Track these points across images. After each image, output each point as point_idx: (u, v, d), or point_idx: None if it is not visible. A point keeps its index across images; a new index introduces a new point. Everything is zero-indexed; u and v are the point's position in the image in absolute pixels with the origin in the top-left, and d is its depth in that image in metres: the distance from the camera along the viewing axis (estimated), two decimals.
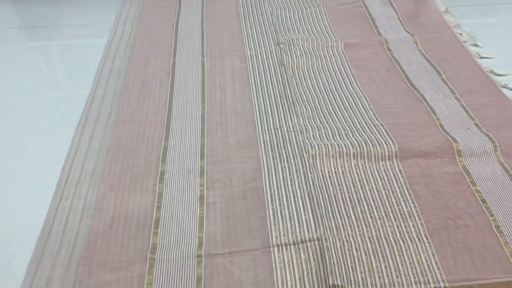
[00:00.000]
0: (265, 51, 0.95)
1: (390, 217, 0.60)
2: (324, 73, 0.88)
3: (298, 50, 0.93)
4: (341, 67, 0.90)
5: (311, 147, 0.69)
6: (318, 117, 0.76)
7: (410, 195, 0.62)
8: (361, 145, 0.69)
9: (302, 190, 0.63)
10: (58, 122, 0.82)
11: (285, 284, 0.53)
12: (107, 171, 0.68)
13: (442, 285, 0.52)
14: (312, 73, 0.88)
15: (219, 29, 1.04)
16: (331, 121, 0.75)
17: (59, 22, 1.15)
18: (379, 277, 0.53)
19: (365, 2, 1.11)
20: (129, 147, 0.72)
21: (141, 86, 0.86)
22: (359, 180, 0.65)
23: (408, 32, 1.00)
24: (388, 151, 0.68)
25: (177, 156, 0.71)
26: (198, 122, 0.78)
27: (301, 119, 0.75)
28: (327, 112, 0.78)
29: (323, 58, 0.92)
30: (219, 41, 1.00)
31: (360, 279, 0.52)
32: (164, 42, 0.99)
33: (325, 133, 0.72)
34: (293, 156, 0.68)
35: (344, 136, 0.72)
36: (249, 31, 1.03)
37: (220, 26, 1.05)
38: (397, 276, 0.53)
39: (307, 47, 0.94)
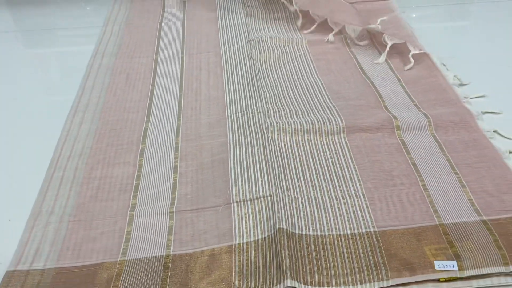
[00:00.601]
0: (237, 48, 1.06)
1: (334, 180, 0.70)
2: (288, 65, 1.00)
3: (266, 46, 1.05)
4: (304, 59, 1.01)
5: (271, 125, 0.80)
6: (280, 101, 0.87)
7: (352, 162, 0.73)
8: (313, 123, 0.80)
9: (260, 159, 0.74)
10: (52, 113, 0.92)
11: (241, 230, 0.63)
12: (94, 148, 0.79)
13: (372, 229, 0.63)
14: (277, 65, 0.99)
15: (198, 30, 1.16)
16: (290, 104, 0.87)
17: (53, 26, 1.26)
18: (320, 224, 0.63)
19: None
20: (114, 129, 0.83)
21: (126, 79, 0.97)
22: (310, 151, 0.75)
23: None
24: (337, 127, 0.79)
25: (155, 136, 0.82)
26: (175, 107, 0.88)
27: (264, 103, 0.86)
28: (287, 97, 0.89)
29: (288, 53, 1.04)
30: (197, 40, 1.11)
31: (303, 225, 0.63)
32: (148, 41, 1.11)
33: (284, 114, 0.83)
34: (255, 133, 0.79)
35: (301, 115, 0.83)
36: (225, 31, 1.15)
37: (199, 27, 1.17)
38: (335, 224, 0.64)
39: (275, 44, 1.06)
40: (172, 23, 1.20)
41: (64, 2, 1.40)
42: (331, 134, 0.79)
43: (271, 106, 0.86)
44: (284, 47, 1.06)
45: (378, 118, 0.81)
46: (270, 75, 0.96)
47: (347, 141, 0.78)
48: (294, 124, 0.80)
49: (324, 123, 0.80)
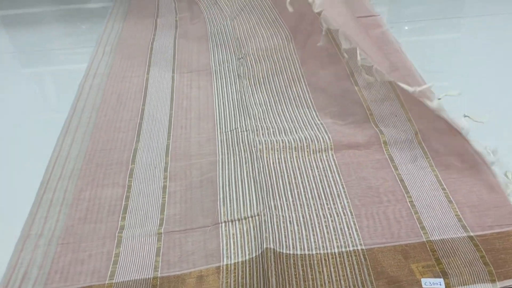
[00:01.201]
0: (227, 66, 1.08)
1: (322, 198, 0.71)
2: (276, 76, 1.01)
3: (254, 59, 1.06)
4: (292, 67, 1.03)
5: (259, 143, 0.80)
6: (268, 118, 0.88)
7: (340, 180, 0.74)
8: (301, 140, 0.81)
9: (249, 177, 0.74)
10: (45, 132, 0.93)
11: (229, 251, 0.63)
12: (84, 169, 0.79)
13: (359, 247, 0.63)
14: (266, 78, 1.00)
15: (189, 48, 1.17)
16: (279, 121, 0.87)
17: (49, 46, 1.28)
18: (307, 243, 0.64)
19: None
20: (104, 149, 0.84)
21: (117, 99, 0.98)
22: (298, 169, 0.76)
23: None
24: (324, 145, 0.80)
25: (145, 156, 0.82)
26: (165, 126, 0.89)
27: (253, 121, 0.87)
28: (276, 113, 0.90)
29: (277, 62, 1.05)
30: (188, 59, 1.13)
31: (290, 244, 0.63)
32: (139, 61, 1.12)
33: (272, 131, 0.84)
34: (244, 151, 0.80)
35: (289, 133, 0.84)
36: (215, 49, 1.16)
37: (190, 45, 1.19)
38: (322, 242, 0.64)
39: (262, 55, 1.08)
40: (163, 42, 1.21)
41: (60, 21, 1.43)
42: (319, 152, 0.79)
43: (260, 123, 0.87)
44: (272, 56, 1.07)
45: (365, 134, 0.82)
46: (259, 90, 0.97)
47: (335, 158, 0.78)
48: (282, 142, 0.81)
49: (312, 140, 0.81)
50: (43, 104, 1.07)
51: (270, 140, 0.81)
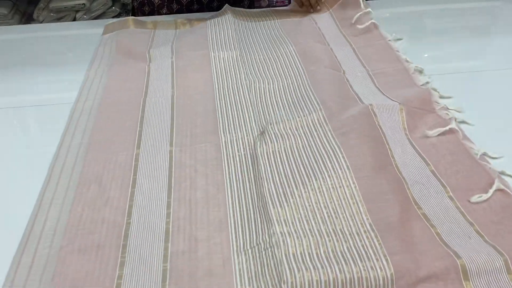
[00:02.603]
0: (241, 137, 0.85)
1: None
2: (305, 154, 0.76)
3: (273, 133, 0.82)
4: (325, 140, 0.78)
5: (291, 272, 0.57)
6: (296, 222, 0.65)
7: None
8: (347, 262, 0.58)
9: None
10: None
11: None
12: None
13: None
14: (285, 159, 0.76)
15: (191, 108, 0.94)
16: (313, 227, 0.64)
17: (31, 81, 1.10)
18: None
19: (345, 75, 1.03)
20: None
21: (99, 188, 0.74)
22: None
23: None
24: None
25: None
26: (161, 240, 0.65)
27: (277, 227, 0.64)
28: (307, 213, 0.66)
29: (303, 137, 0.81)
30: (190, 124, 0.89)
31: None
32: (127, 128, 0.87)
33: (306, 246, 0.61)
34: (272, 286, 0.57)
35: (330, 254, 0.61)
36: (224, 110, 0.92)
37: (192, 104, 0.95)
38: None
39: (288, 128, 0.83)
40: (158, 98, 0.96)
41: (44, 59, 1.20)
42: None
43: (287, 230, 0.63)
44: (298, 130, 0.82)
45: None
46: (276, 178, 0.72)
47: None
48: (324, 274, 0.58)
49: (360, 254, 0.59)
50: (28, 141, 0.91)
51: (306, 267, 0.58)
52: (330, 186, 0.69)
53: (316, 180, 0.70)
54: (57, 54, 1.23)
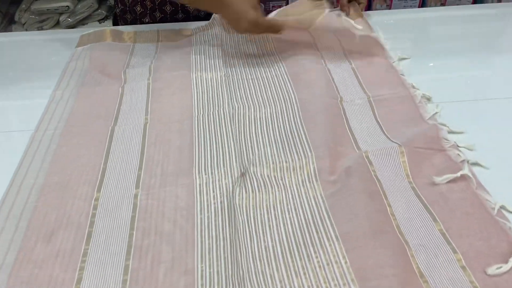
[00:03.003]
0: (218, 179, 0.73)
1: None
2: (289, 219, 0.64)
3: (255, 179, 0.71)
4: (313, 202, 0.66)
5: None
6: None
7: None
8: None
9: None
10: None
11: None
12: None
13: None
14: (266, 222, 0.64)
15: (164, 140, 0.82)
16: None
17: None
18: None
19: (343, 104, 0.91)
20: None
21: (47, 245, 0.63)
22: None
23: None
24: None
25: None
26: None
27: None
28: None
29: (289, 192, 0.69)
30: (162, 160, 0.77)
31: None
32: (89, 165, 0.76)
33: None
34: None
35: None
36: (202, 144, 0.80)
37: (166, 135, 0.83)
38: None
39: (273, 176, 0.71)
40: (128, 131, 0.84)
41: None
42: None
43: None
44: (284, 179, 0.71)
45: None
46: (261, 246, 0.61)
47: None
48: None
49: None
50: None
51: None
52: (316, 265, 0.57)
53: (300, 259, 0.58)
54: (26, 71, 1.11)
